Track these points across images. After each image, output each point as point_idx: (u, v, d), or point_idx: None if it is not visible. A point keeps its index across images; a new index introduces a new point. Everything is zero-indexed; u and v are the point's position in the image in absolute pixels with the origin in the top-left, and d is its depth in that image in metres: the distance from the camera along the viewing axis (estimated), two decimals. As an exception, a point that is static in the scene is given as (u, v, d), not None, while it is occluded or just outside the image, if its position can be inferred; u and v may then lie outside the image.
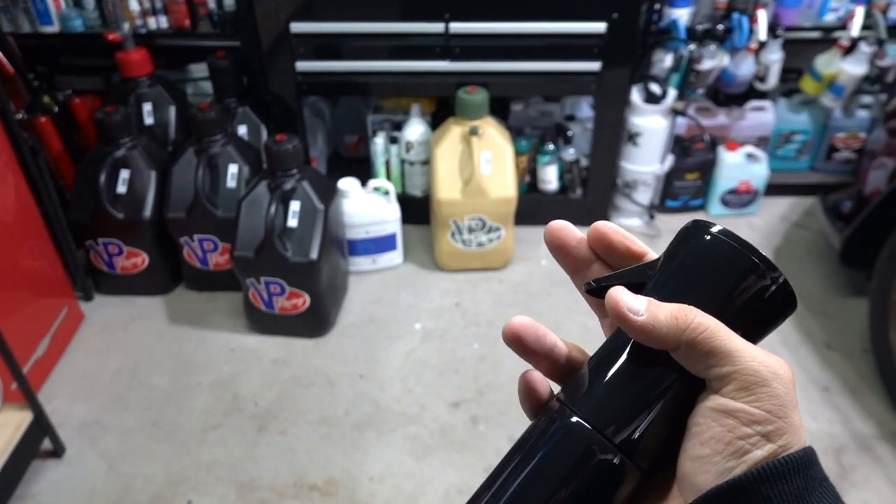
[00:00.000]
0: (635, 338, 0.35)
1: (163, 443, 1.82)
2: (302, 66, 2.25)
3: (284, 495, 1.68)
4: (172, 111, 2.34)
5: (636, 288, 0.36)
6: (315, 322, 2.11)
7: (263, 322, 2.12)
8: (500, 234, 2.32)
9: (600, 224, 0.39)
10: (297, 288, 2.02)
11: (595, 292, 0.38)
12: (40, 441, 1.71)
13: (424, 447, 1.79)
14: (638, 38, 2.27)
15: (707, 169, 2.55)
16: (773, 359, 0.33)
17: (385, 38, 2.21)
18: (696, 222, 0.36)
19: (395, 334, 2.14)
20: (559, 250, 0.40)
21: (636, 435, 0.35)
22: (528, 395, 0.39)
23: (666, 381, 0.35)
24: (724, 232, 0.35)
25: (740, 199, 2.59)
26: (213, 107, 2.11)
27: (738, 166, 2.52)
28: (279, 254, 1.95)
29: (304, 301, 2.04)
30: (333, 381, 1.98)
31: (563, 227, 0.40)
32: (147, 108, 2.31)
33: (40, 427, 1.69)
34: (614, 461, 0.35)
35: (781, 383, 0.32)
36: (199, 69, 2.60)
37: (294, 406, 1.91)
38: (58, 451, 1.77)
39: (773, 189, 2.65)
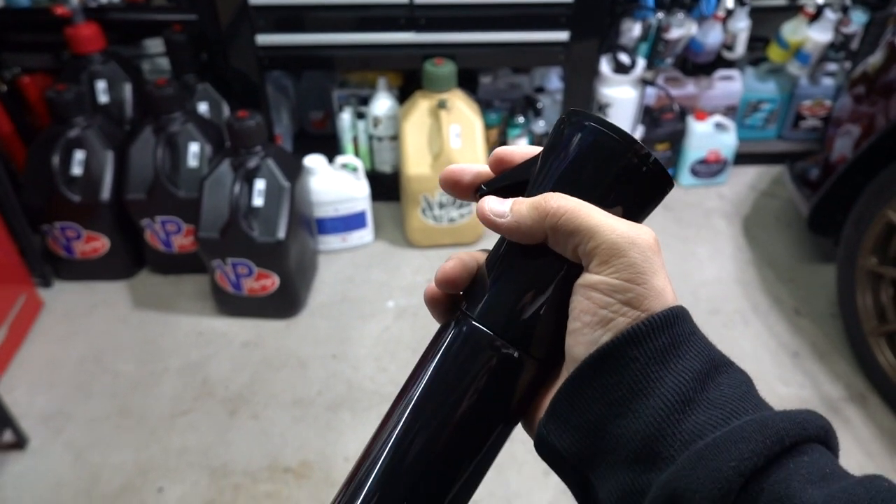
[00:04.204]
0: (510, 238, 0.37)
1: (130, 431, 1.77)
2: (263, 39, 2.17)
3: (258, 479, 1.65)
4: (128, 88, 2.25)
5: (523, 186, 0.38)
6: (285, 303, 2.06)
7: (232, 304, 2.07)
8: (471, 209, 2.29)
9: (499, 149, 0.41)
10: (266, 268, 1.97)
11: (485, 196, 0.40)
12: (1, 433, 1.65)
13: (400, 425, 1.77)
14: (606, 6, 2.24)
15: (677, 139, 2.55)
16: (633, 229, 0.34)
17: (348, 10, 2.14)
18: (568, 112, 0.37)
19: (367, 313, 2.10)
20: (453, 188, 0.42)
21: (527, 328, 0.37)
22: (434, 306, 0.42)
23: (548, 272, 0.37)
24: (594, 118, 0.36)
25: (710, 168, 2.60)
26: (170, 83, 2.03)
27: (708, 136, 2.52)
28: (245, 234, 1.90)
29: (272, 282, 2.00)
30: (305, 362, 1.95)
31: (457, 168, 0.42)
32: (101, 85, 2.22)
33: (1, 419, 1.63)
34: (510, 356, 0.37)
35: (639, 251, 0.34)
36: (155, 44, 2.50)
37: (266, 389, 1.87)
38: (20, 443, 1.71)
39: (742, 158, 2.67)
